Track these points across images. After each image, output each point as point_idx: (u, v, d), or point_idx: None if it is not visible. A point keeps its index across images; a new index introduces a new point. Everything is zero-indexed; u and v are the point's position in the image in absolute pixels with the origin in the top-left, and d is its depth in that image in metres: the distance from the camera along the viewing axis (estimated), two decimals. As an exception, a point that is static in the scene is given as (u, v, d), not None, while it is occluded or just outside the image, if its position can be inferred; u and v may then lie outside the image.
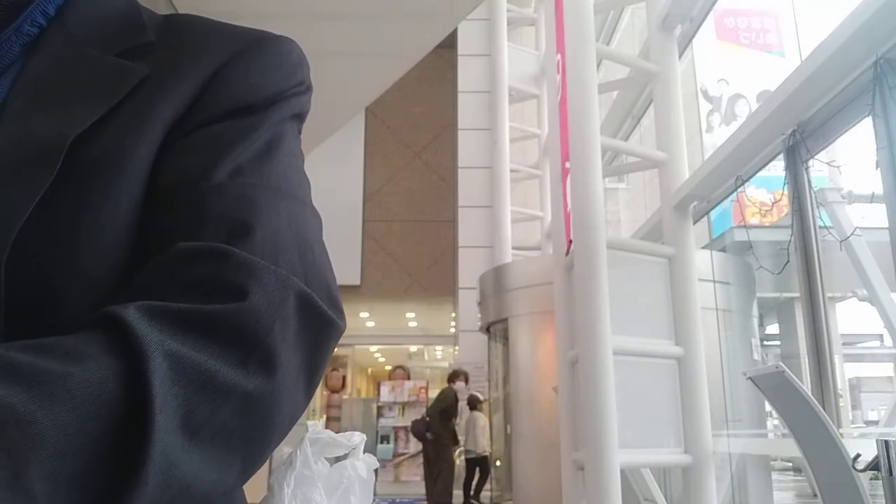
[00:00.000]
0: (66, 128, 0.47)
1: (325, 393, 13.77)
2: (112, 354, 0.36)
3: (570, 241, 4.23)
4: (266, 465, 0.57)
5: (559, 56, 4.73)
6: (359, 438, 0.53)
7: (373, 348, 16.20)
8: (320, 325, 0.47)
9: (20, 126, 0.47)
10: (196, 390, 0.37)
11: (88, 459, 0.33)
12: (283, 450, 0.53)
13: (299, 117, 0.59)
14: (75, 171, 0.46)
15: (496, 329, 8.18)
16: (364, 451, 0.55)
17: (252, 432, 0.41)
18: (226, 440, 0.39)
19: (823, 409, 2.54)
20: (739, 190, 4.17)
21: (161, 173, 0.50)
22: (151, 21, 0.58)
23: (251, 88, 0.55)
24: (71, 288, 0.45)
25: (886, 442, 2.19)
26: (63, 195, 0.45)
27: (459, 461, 8.36)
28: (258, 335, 0.42)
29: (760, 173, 4.20)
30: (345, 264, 11.19)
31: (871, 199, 3.53)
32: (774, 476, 5.77)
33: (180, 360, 0.37)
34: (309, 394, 0.47)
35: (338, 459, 0.53)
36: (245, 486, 0.54)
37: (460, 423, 8.15)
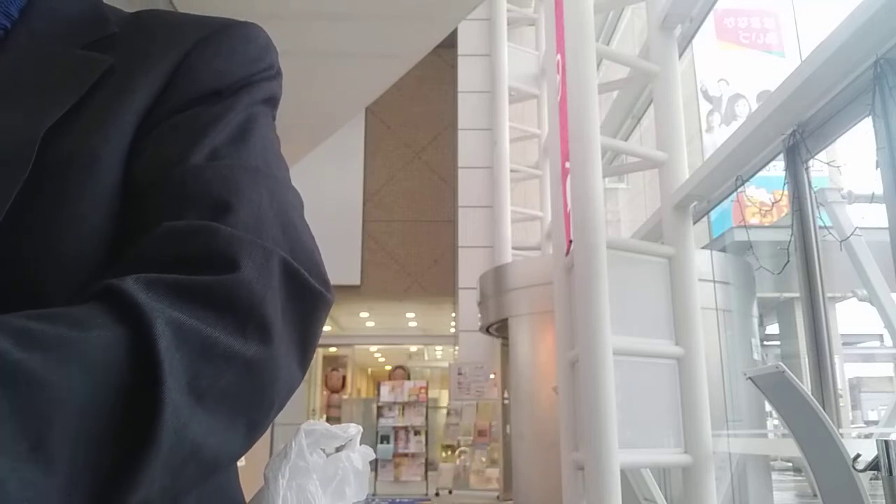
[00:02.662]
0: (36, 123, 0.47)
1: (325, 393, 13.77)
2: (118, 322, 0.36)
3: (570, 241, 4.22)
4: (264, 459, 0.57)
5: (559, 56, 4.73)
6: (355, 430, 0.54)
7: (373, 348, 16.20)
8: (308, 296, 0.48)
9: None
10: (199, 356, 0.38)
11: (105, 423, 0.33)
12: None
13: (271, 102, 0.59)
14: (49, 165, 0.47)
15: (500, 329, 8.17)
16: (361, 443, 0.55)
17: (254, 398, 0.42)
18: (231, 405, 0.40)
19: (823, 409, 2.53)
20: (739, 190, 4.17)
21: (137, 162, 0.50)
22: (116, 16, 0.59)
23: (219, 74, 0.55)
24: (51, 279, 0.46)
25: (886, 442, 2.19)
26: (38, 190, 0.46)
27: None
28: (253, 304, 0.42)
29: (760, 173, 4.20)
30: (345, 264, 11.19)
31: (871, 199, 3.53)
32: (774, 476, 5.76)
33: (182, 327, 0.38)
34: (303, 365, 0.47)
35: (336, 451, 0.53)
36: (242, 478, 0.55)
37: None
